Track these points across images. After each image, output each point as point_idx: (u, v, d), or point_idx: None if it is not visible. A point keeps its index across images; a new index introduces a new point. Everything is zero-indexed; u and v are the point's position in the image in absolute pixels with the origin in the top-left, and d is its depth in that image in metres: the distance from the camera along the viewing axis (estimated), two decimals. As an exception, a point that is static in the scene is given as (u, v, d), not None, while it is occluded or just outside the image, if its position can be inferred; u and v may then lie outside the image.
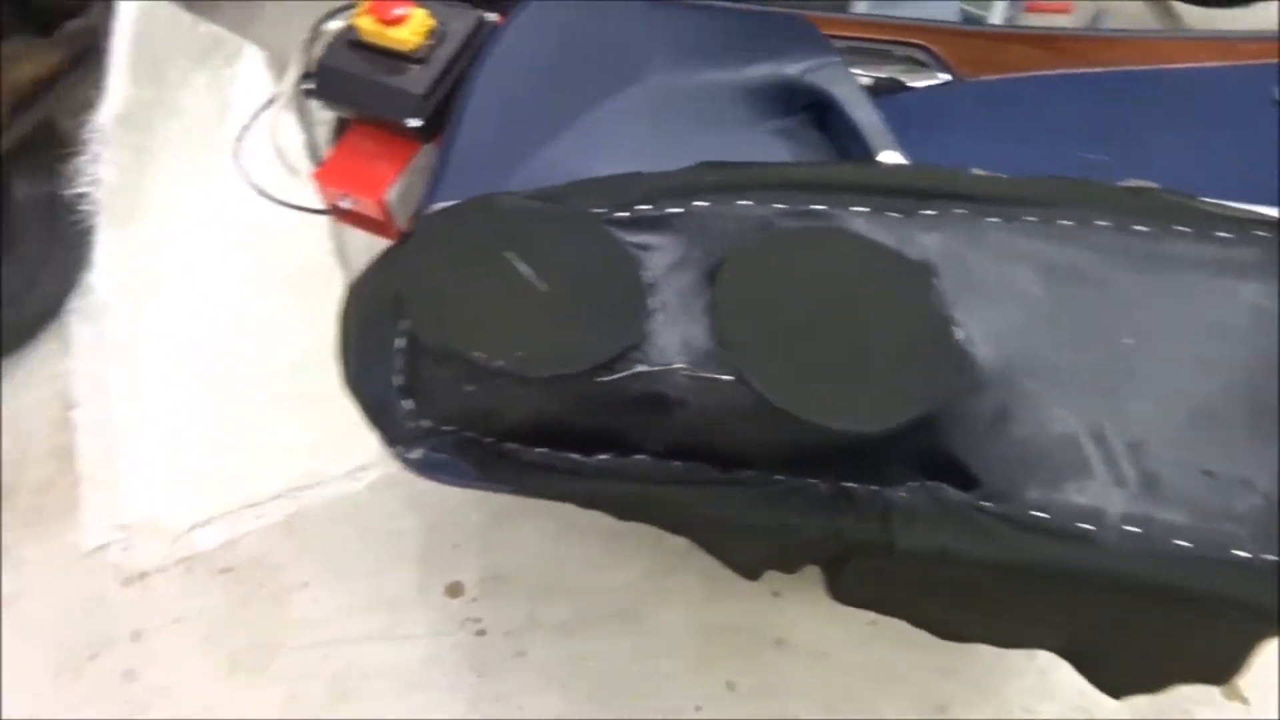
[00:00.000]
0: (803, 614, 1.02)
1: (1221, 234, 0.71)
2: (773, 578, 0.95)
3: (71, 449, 1.11)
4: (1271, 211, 0.73)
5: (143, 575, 1.06)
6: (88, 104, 1.06)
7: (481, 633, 1.02)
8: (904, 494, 0.68)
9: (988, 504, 0.67)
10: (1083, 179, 0.74)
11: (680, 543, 0.76)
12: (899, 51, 0.89)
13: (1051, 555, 0.66)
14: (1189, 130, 0.84)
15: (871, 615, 0.84)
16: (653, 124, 0.82)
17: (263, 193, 0.92)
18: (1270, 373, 0.69)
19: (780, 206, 0.72)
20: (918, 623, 0.75)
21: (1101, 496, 0.66)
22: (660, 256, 0.70)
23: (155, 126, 1.17)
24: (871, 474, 0.68)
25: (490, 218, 0.69)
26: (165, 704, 0.97)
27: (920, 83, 0.87)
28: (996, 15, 0.99)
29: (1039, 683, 0.95)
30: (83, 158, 1.05)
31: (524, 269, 0.65)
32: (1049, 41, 0.90)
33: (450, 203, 0.77)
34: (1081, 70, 0.88)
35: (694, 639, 1.00)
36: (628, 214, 0.73)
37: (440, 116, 0.84)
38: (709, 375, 0.64)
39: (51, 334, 1.21)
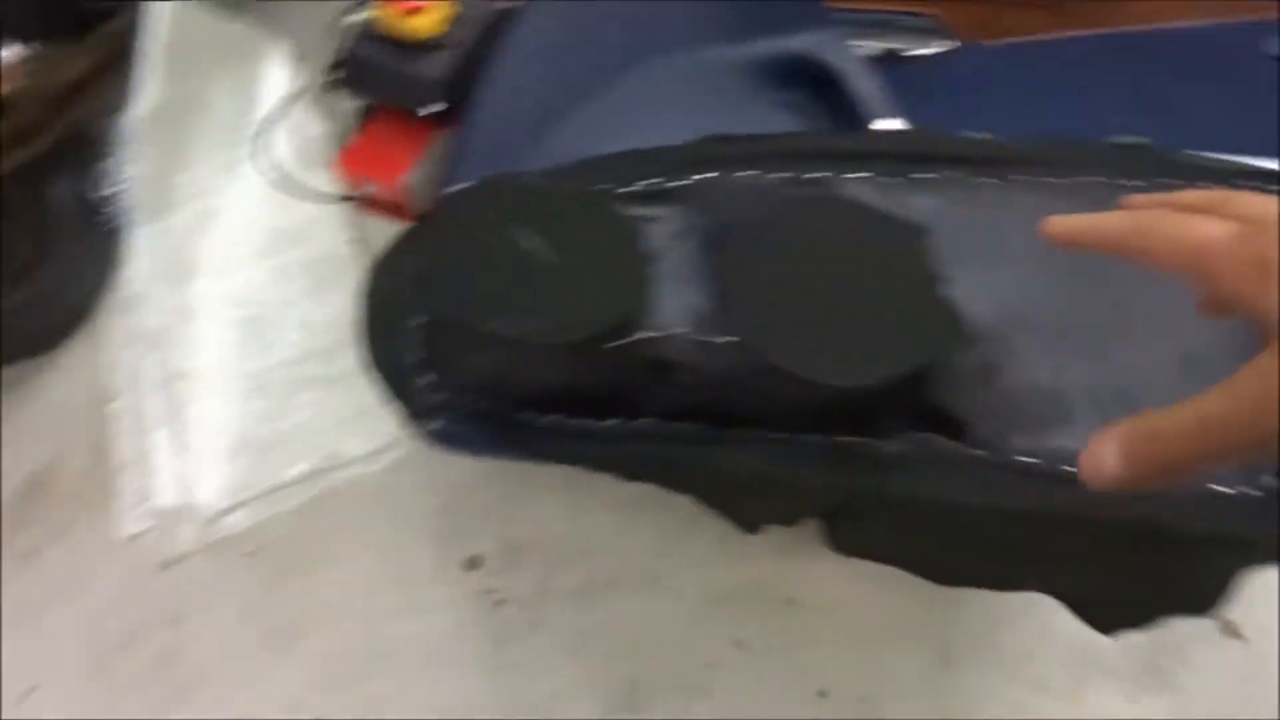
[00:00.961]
0: (812, 574, 1.05)
1: (1212, 187, 0.74)
2: (784, 541, 0.99)
3: (108, 441, 1.15)
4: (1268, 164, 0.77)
5: (176, 560, 1.09)
6: (120, 104, 1.10)
7: (500, 603, 1.05)
8: (897, 445, 0.71)
9: (978, 451, 0.70)
10: (1073, 139, 0.77)
11: (689, 511, 0.79)
12: (907, 21, 0.93)
13: (1039, 497, 0.69)
14: (1187, 88, 0.88)
15: (877, 572, 0.88)
16: (660, 102, 0.86)
17: (284, 184, 0.96)
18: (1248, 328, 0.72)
19: (781, 175, 0.76)
20: (913, 569, 0.79)
21: (1084, 441, 0.69)
22: (664, 227, 0.74)
23: (185, 122, 1.22)
24: (866, 428, 0.71)
25: (501, 197, 0.73)
26: (201, 684, 1.00)
27: (927, 50, 0.91)
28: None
29: (1038, 629, 0.98)
30: (116, 157, 1.09)
31: (534, 244, 0.69)
32: (1053, 5, 0.94)
33: (467, 184, 0.81)
34: (1083, 33, 0.92)
35: (705, 602, 1.04)
36: (635, 188, 0.76)
37: (461, 102, 0.88)
38: (711, 338, 0.68)
39: (87, 331, 1.24)
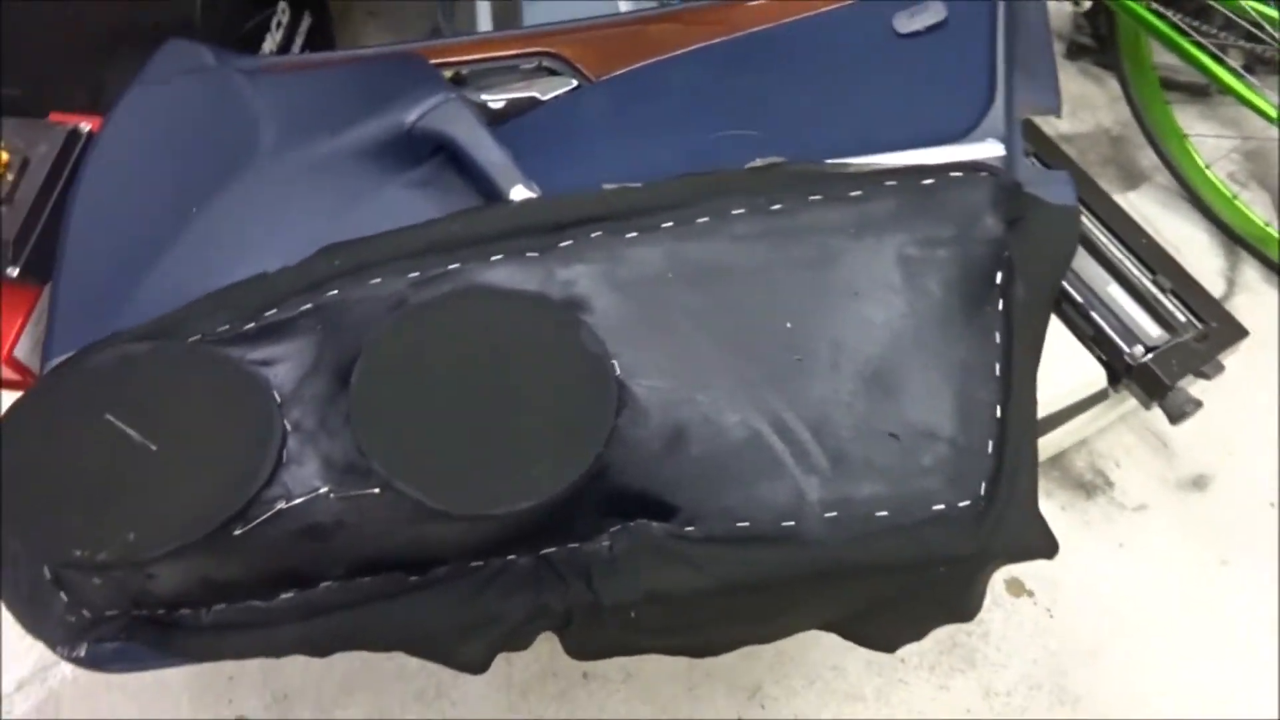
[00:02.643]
0: (600, 643, 0.99)
1: (854, 193, 0.70)
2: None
3: None
4: (909, 155, 0.73)
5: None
6: None
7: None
8: (605, 543, 0.65)
9: (689, 529, 0.65)
10: (711, 171, 0.71)
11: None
12: (527, 65, 0.85)
13: (760, 565, 0.64)
14: (821, 82, 0.82)
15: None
16: (274, 209, 0.75)
17: None
18: (933, 316, 0.68)
19: (414, 276, 0.68)
20: (668, 653, 0.73)
21: (796, 488, 0.64)
22: (290, 369, 0.65)
23: None
24: (568, 533, 0.65)
25: (85, 380, 0.62)
26: None
27: (555, 93, 0.83)
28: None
29: (840, 641, 0.96)
30: None
31: (128, 431, 0.59)
32: (671, 17, 0.86)
33: (68, 355, 0.70)
34: (710, 42, 0.84)
35: (508, 698, 0.98)
36: (254, 324, 0.67)
37: (49, 253, 0.76)
38: (356, 493, 0.60)
39: None
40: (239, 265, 0.70)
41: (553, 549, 0.65)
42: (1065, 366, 1.01)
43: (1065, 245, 0.76)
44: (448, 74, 0.86)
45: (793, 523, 0.65)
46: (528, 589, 0.64)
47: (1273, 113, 1.20)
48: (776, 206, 0.69)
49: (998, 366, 0.69)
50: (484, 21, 0.95)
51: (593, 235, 0.68)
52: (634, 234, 0.69)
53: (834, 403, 0.67)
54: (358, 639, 0.65)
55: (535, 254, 0.68)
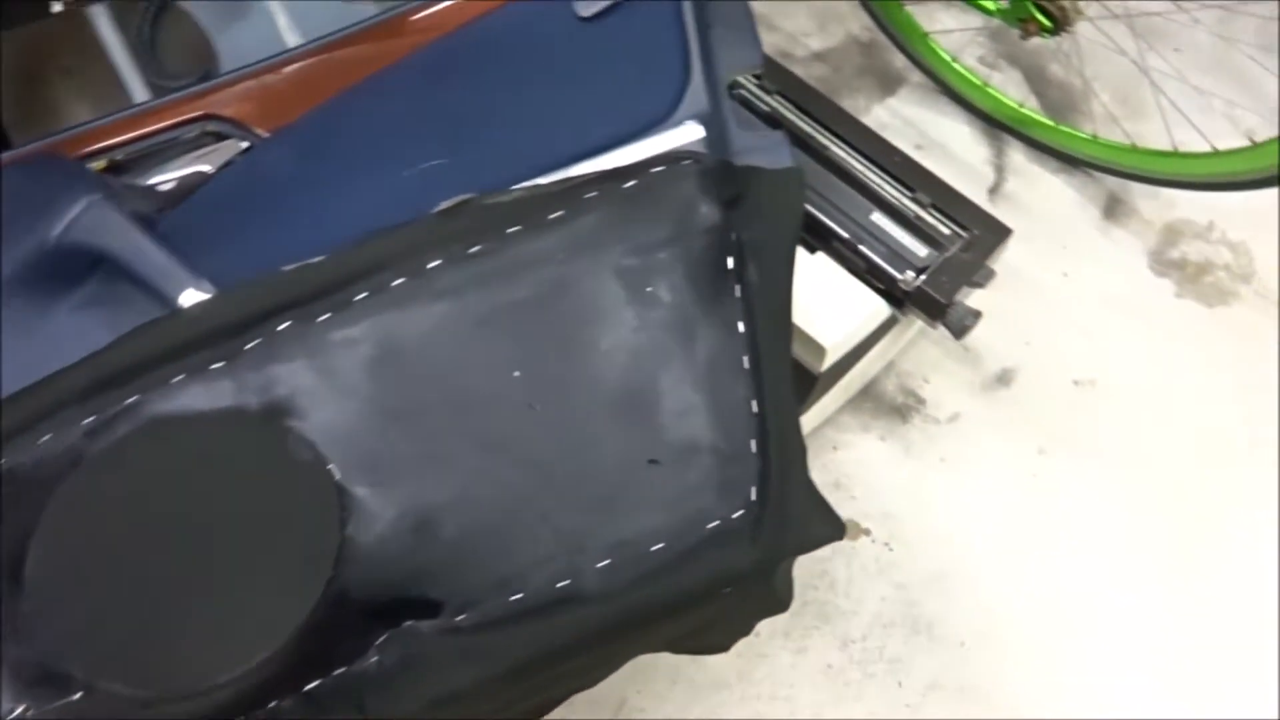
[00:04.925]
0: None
1: (554, 215, 0.64)
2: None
3: None
4: (607, 159, 0.68)
5: None
6: None
7: None
8: (375, 659, 0.59)
9: (460, 618, 0.60)
10: (399, 226, 0.64)
11: None
12: (188, 134, 0.75)
13: (545, 637, 0.60)
14: (511, 87, 0.75)
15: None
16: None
17: None
18: (668, 324, 0.64)
19: (89, 422, 0.59)
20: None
21: (564, 545, 0.59)
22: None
23: None
24: (331, 660, 0.59)
25: None
26: None
27: (224, 161, 0.74)
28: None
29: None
30: None
31: None
32: (340, 44, 0.78)
33: None
34: (379, 71, 0.76)
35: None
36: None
37: None
38: (60, 702, 0.52)
39: None
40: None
41: (320, 680, 0.59)
42: (849, 304, 1.00)
43: (793, 210, 0.72)
44: (101, 163, 0.75)
45: (568, 581, 0.60)
46: None
47: (992, 6, 1.21)
48: (475, 249, 0.63)
49: (745, 359, 0.65)
50: (137, 90, 0.84)
51: (280, 328, 0.61)
52: (326, 315, 0.61)
53: (583, 444, 0.62)
54: None
55: (220, 364, 0.60)
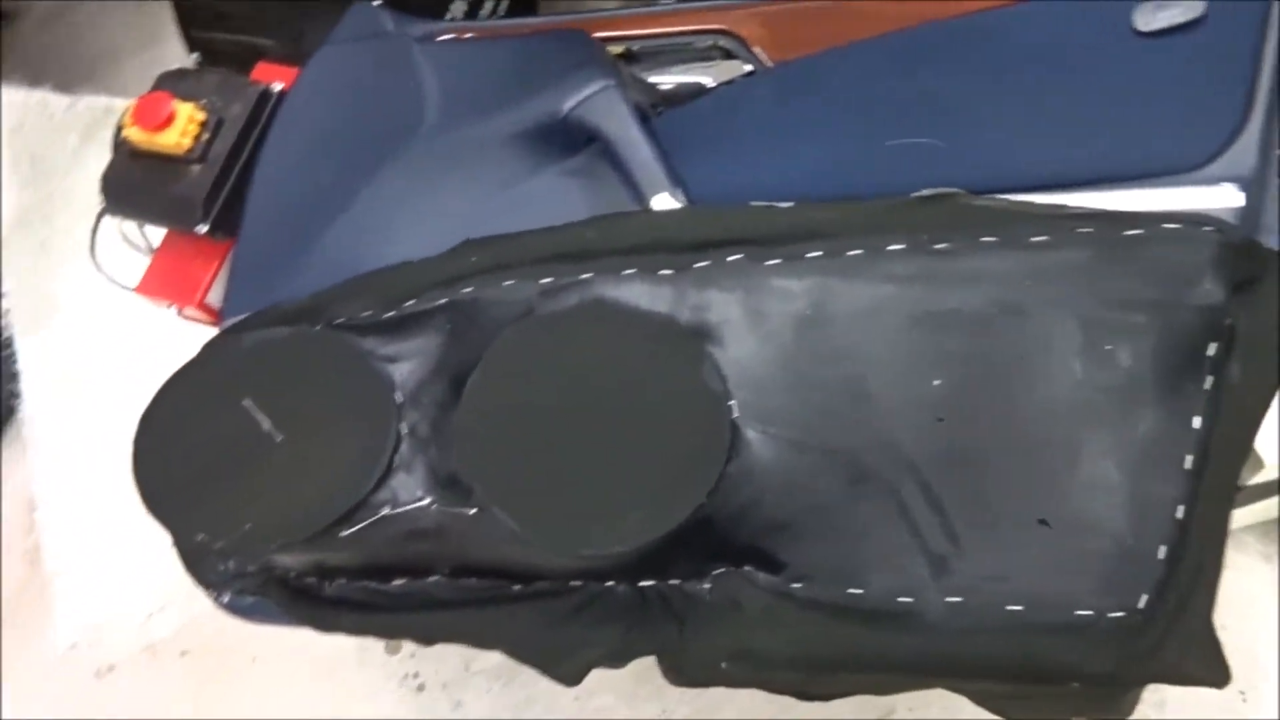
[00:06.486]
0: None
1: (1036, 239, 0.60)
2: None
3: (40, 549, 1.16)
4: (1116, 196, 0.60)
5: (111, 667, 1.10)
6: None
7: (421, 688, 1.03)
8: (708, 586, 0.63)
9: (796, 585, 0.61)
10: (871, 198, 0.63)
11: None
12: (701, 43, 0.78)
13: (868, 642, 0.60)
14: (1028, 86, 0.70)
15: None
16: (426, 192, 0.75)
17: (123, 285, 0.89)
18: (1116, 391, 0.58)
19: (546, 282, 0.66)
20: (774, 691, 0.70)
21: (921, 562, 0.58)
22: (414, 368, 0.65)
23: (51, 222, 1.18)
24: (671, 569, 0.63)
25: (230, 360, 0.66)
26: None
27: (723, 80, 0.76)
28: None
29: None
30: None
31: (261, 418, 0.62)
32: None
33: (241, 316, 0.74)
34: (893, 32, 0.73)
35: (626, 677, 0.99)
36: (393, 313, 0.68)
37: (237, 211, 0.80)
38: (457, 510, 0.60)
39: (12, 438, 1.25)
40: (390, 247, 0.71)
41: (654, 582, 0.63)
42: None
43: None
44: (618, 49, 0.81)
45: (910, 599, 0.59)
46: (618, 622, 0.63)
47: None
48: (942, 245, 0.61)
49: (1189, 459, 0.58)
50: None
51: (731, 259, 0.63)
52: (776, 261, 0.62)
53: (977, 474, 0.59)
54: (461, 636, 0.67)
55: (669, 272, 0.64)
